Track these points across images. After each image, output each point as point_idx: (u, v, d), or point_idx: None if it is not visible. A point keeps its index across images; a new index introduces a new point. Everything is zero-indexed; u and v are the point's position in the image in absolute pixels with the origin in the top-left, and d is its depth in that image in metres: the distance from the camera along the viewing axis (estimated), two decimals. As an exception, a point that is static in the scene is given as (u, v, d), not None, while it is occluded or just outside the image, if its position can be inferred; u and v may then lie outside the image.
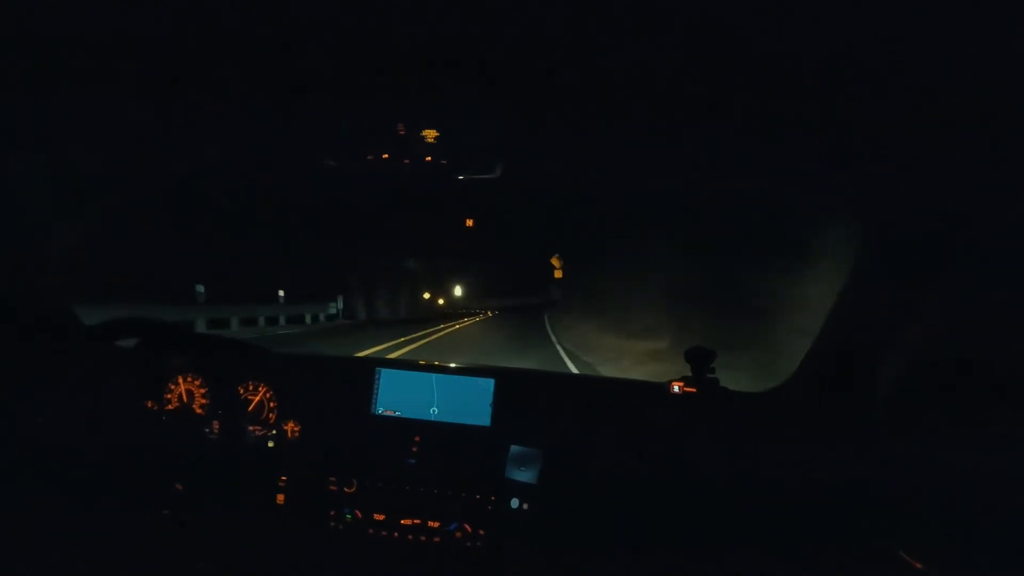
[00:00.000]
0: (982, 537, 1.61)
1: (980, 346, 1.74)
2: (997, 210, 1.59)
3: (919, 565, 1.67)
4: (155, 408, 2.27)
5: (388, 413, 2.22)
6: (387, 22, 1.18)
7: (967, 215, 1.66)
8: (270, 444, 2.22)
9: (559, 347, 14.27)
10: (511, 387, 2.22)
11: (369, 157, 1.89)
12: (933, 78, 1.23)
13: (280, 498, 2.16)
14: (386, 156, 1.88)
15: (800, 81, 1.30)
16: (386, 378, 2.24)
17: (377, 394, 2.23)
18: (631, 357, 11.93)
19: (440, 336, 16.66)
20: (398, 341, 13.75)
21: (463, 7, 1.11)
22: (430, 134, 1.76)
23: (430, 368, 2.27)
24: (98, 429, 2.16)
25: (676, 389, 2.09)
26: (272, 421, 2.24)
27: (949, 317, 1.81)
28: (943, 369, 1.87)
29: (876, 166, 1.69)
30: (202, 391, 2.27)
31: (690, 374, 2.11)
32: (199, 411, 2.26)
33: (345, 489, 2.13)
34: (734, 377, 2.25)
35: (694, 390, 2.08)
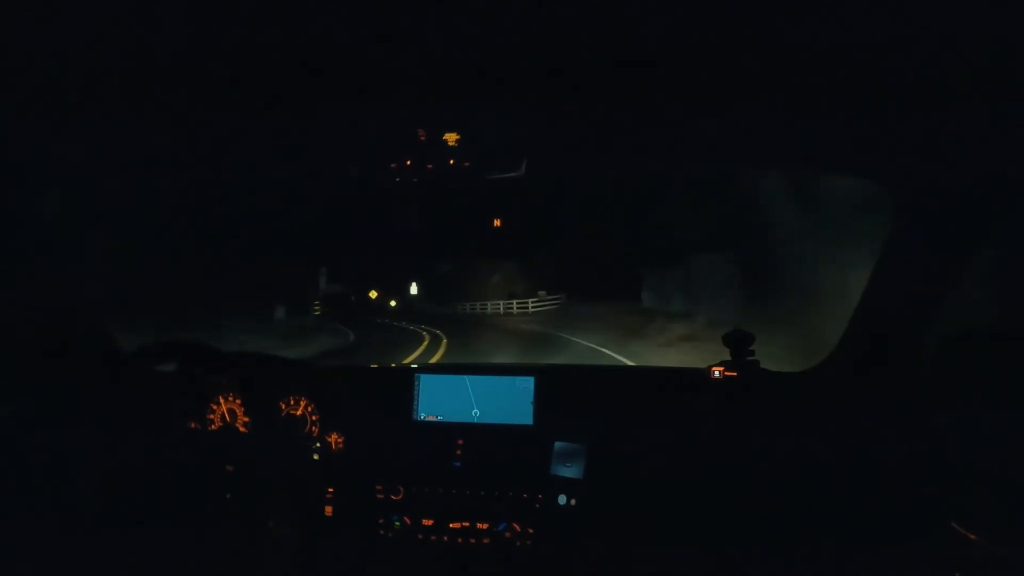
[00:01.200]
0: None
1: (1014, 317, 1.72)
2: None
3: (972, 536, 1.65)
4: (199, 429, 2.30)
5: (430, 418, 2.23)
6: (400, 27, 1.18)
7: (999, 189, 1.64)
8: (315, 457, 2.23)
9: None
10: (551, 383, 2.22)
11: (392, 164, 1.90)
12: (961, 55, 1.21)
13: (328, 510, 2.17)
14: (409, 162, 1.88)
15: (828, 61, 1.28)
16: (426, 383, 2.25)
17: (418, 400, 2.24)
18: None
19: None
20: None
21: (472, 7, 1.11)
22: (451, 137, 1.76)
23: (469, 370, 2.28)
24: (146, 453, 2.19)
25: (717, 374, 2.07)
26: (316, 434, 2.25)
27: (984, 290, 1.78)
28: (980, 341, 1.84)
29: (908, 145, 1.66)
30: (243, 409, 2.29)
31: (729, 358, 2.09)
32: (243, 429, 2.28)
33: (392, 497, 2.14)
34: (775, 357, 2.23)
35: (735, 373, 2.06)
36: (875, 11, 1.09)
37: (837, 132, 1.68)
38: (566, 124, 1.73)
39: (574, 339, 12.95)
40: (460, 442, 2.17)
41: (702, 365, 2.15)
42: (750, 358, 2.08)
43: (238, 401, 2.31)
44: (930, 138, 1.59)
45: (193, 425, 2.31)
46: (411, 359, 11.14)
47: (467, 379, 2.24)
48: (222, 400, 2.31)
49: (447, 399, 2.23)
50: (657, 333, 12.78)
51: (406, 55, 1.30)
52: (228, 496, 2.17)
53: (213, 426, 2.29)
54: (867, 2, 1.07)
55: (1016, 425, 1.67)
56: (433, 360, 10.82)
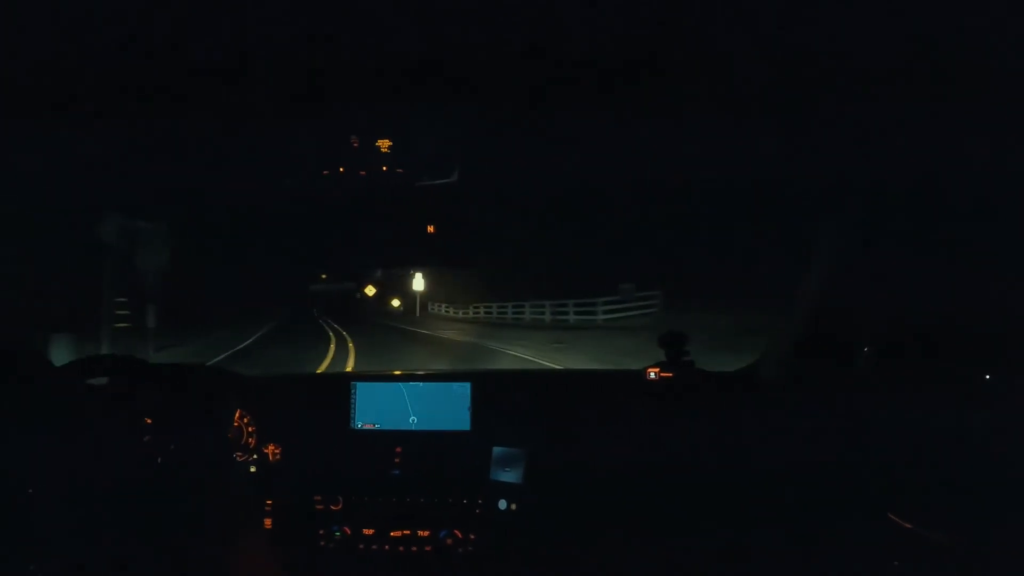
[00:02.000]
0: (964, 492, 1.64)
1: (951, 312, 1.78)
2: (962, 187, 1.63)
3: (909, 525, 1.70)
4: (131, 444, 2.24)
5: (368, 427, 2.21)
6: (333, 34, 1.18)
7: (933, 192, 1.70)
8: (252, 469, 2.19)
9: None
10: (488, 389, 2.22)
11: (325, 172, 1.89)
12: (897, 60, 1.26)
13: (268, 522, 2.14)
14: (342, 169, 1.88)
15: (761, 63, 1.31)
16: (362, 392, 2.23)
17: (355, 409, 2.22)
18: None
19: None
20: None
21: (406, 15, 1.12)
22: (384, 144, 1.76)
23: (406, 377, 2.27)
24: (78, 469, 2.12)
25: (652, 375, 2.10)
26: (252, 445, 2.21)
27: (915, 289, 1.85)
28: (915, 336, 1.90)
29: (844, 148, 1.71)
30: (178, 422, 2.24)
31: (665, 359, 2.12)
32: (177, 443, 2.23)
33: (332, 507, 2.11)
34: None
35: (670, 375, 2.09)
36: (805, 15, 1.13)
37: (772, 135, 1.73)
38: (499, 131, 1.74)
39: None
40: (399, 450, 2.16)
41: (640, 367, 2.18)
42: (685, 359, 2.11)
43: (172, 415, 2.25)
44: (866, 141, 1.65)
45: (126, 439, 2.24)
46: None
47: (403, 386, 2.23)
48: (155, 414, 2.25)
49: (384, 407, 2.21)
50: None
51: (338, 61, 1.30)
52: (164, 511, 2.11)
53: (147, 439, 2.23)
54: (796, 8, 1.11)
55: (947, 419, 1.74)
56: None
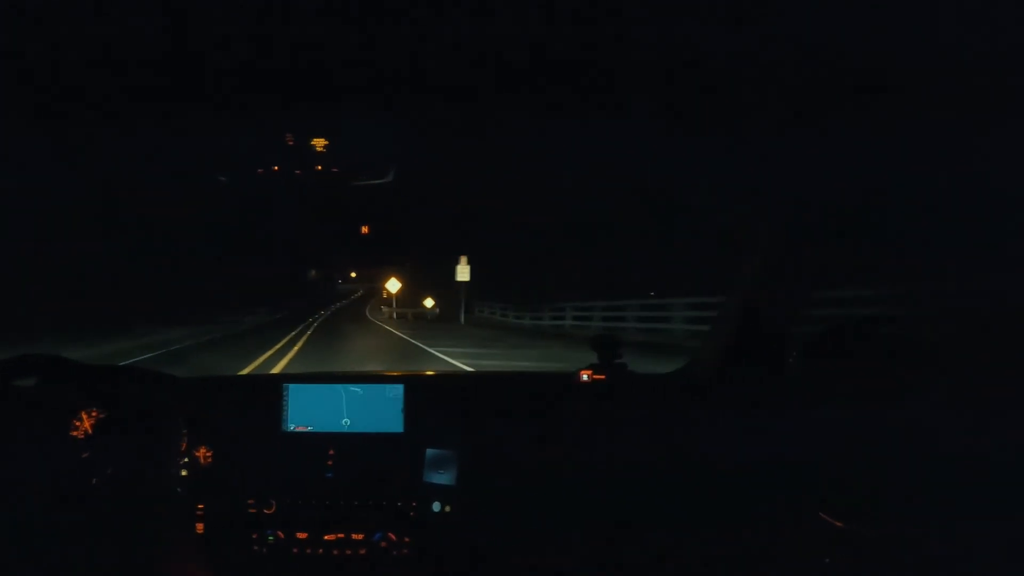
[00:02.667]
0: (893, 490, 1.70)
1: (878, 312, 1.85)
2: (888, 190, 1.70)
3: (840, 524, 1.75)
4: (60, 446, 2.17)
5: (300, 429, 2.19)
6: (270, 32, 1.18)
7: (860, 193, 1.77)
8: (184, 472, 2.15)
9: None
10: (421, 391, 2.22)
11: (260, 170, 1.88)
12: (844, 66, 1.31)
13: (200, 527, 2.10)
14: (277, 168, 1.87)
15: (691, 68, 1.35)
16: (295, 393, 2.20)
17: (287, 411, 2.19)
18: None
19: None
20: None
21: (345, 14, 1.13)
22: (319, 143, 1.76)
23: (338, 379, 2.25)
24: (4, 473, 2.05)
25: (585, 377, 2.13)
26: (183, 448, 2.17)
27: (846, 291, 1.92)
28: (843, 337, 1.97)
29: (775, 152, 1.77)
30: (107, 424, 2.18)
31: (597, 362, 2.16)
32: (107, 446, 2.17)
33: (265, 511, 2.08)
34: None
35: (602, 377, 2.13)
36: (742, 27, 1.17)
37: (701, 137, 1.78)
38: (436, 132, 1.75)
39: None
40: (331, 452, 2.14)
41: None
42: (617, 361, 2.15)
43: (102, 416, 2.19)
44: (797, 145, 1.70)
45: (55, 443, 2.18)
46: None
47: (336, 388, 2.21)
48: (84, 416, 2.19)
49: (317, 409, 2.19)
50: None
51: (275, 58, 1.30)
52: (94, 519, 2.05)
53: (76, 444, 2.17)
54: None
55: (877, 419, 1.80)
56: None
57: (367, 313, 25.07)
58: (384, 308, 22.57)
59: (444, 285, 18.57)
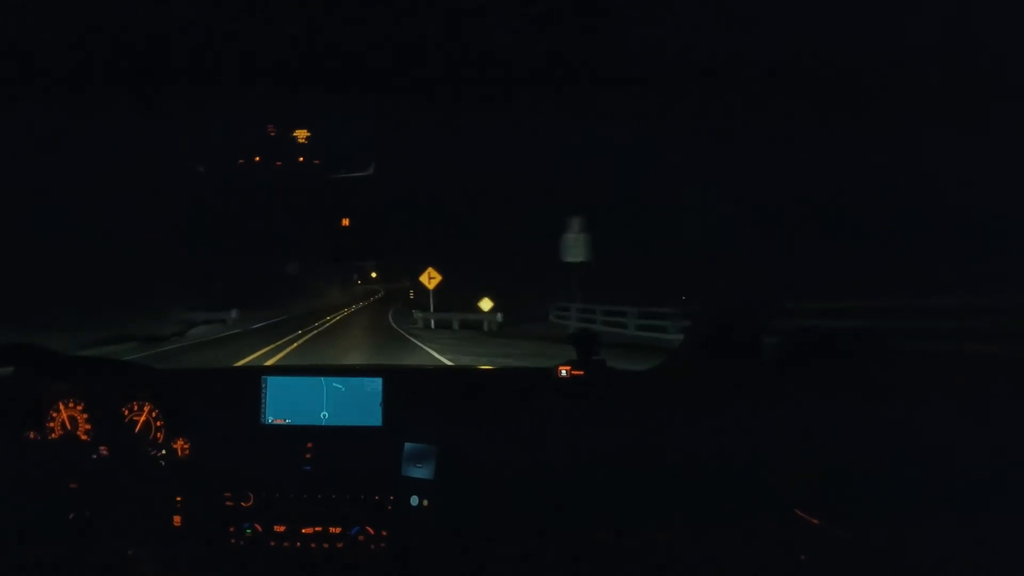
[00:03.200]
0: (868, 486, 1.72)
1: (850, 310, 1.87)
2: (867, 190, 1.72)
3: (815, 521, 1.77)
4: (37, 438, 2.15)
5: (278, 422, 2.18)
6: (254, 23, 1.18)
7: (840, 191, 1.79)
8: (161, 464, 2.14)
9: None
10: (399, 385, 2.22)
11: (240, 161, 1.86)
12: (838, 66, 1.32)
13: (177, 519, 2.09)
14: (258, 159, 1.86)
15: (676, 63, 1.35)
16: (273, 386, 2.20)
17: (265, 403, 2.19)
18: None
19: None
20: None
21: (329, 7, 1.12)
22: (301, 134, 1.75)
23: (317, 371, 2.25)
24: None
25: (563, 373, 2.14)
26: (161, 440, 2.16)
27: (823, 287, 1.94)
28: (817, 334, 1.99)
29: (754, 148, 1.78)
30: (85, 416, 2.17)
31: (576, 357, 2.17)
32: (84, 437, 2.15)
33: (242, 503, 2.08)
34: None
35: (581, 372, 2.14)
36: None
37: (686, 134, 1.79)
38: (415, 125, 1.75)
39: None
40: (309, 445, 2.14)
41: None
42: (596, 357, 2.16)
43: (79, 408, 2.17)
44: (777, 144, 1.72)
45: (32, 434, 2.16)
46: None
47: (315, 381, 2.21)
48: (62, 407, 2.17)
49: (295, 402, 2.19)
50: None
51: (257, 47, 1.29)
52: (71, 512, 2.04)
53: (53, 435, 2.16)
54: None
55: (853, 416, 1.82)
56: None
57: (390, 320, 19.91)
58: (416, 313, 17.37)
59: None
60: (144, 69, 1.36)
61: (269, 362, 9.90)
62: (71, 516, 2.04)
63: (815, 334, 2.00)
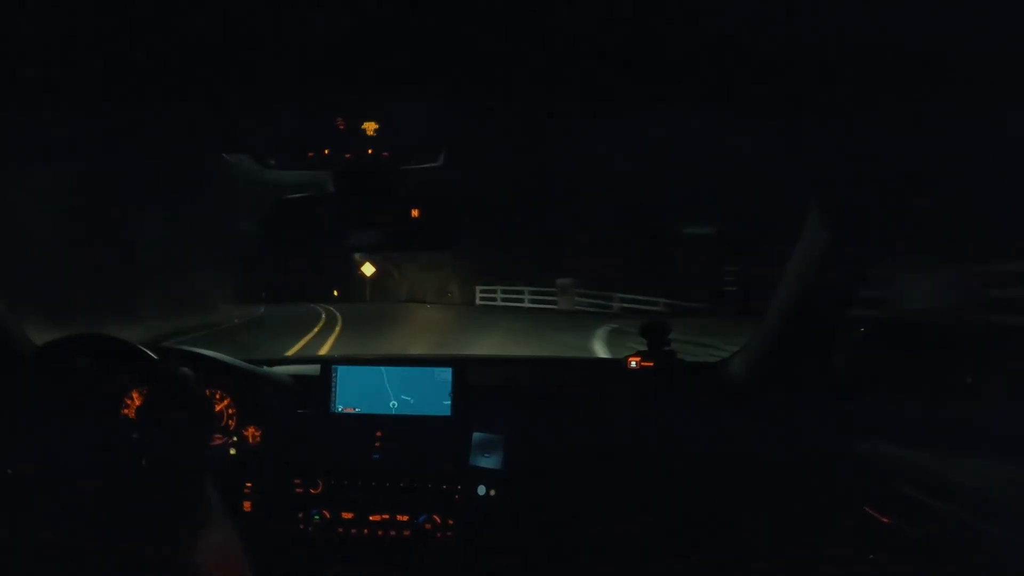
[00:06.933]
0: (938, 489, 1.66)
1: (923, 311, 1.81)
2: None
3: (886, 519, 1.72)
4: (113, 426, 2.22)
5: (348, 411, 2.21)
6: (315, 14, 1.17)
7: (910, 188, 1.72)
8: (232, 452, 2.19)
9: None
10: (469, 374, 2.22)
11: (310, 154, 1.88)
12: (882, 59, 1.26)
13: (247, 505, 2.14)
14: (327, 152, 1.86)
15: (741, 59, 1.31)
16: (343, 375, 2.22)
17: (335, 392, 2.22)
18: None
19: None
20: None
21: None
22: (370, 126, 1.75)
23: (386, 361, 2.26)
24: (58, 453, 2.10)
25: (633, 364, 2.11)
26: (232, 428, 2.21)
27: (897, 285, 1.87)
28: (892, 334, 1.92)
29: (826, 144, 1.72)
30: (159, 405, 2.23)
31: (646, 348, 2.14)
32: (159, 426, 2.22)
33: (311, 490, 2.11)
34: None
35: (651, 364, 2.11)
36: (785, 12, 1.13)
37: (757, 131, 1.73)
38: (485, 115, 1.73)
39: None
40: (379, 434, 2.16)
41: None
42: (666, 348, 2.12)
43: (152, 397, 2.24)
44: (848, 137, 1.65)
45: (108, 424, 2.23)
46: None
47: (384, 371, 2.22)
48: (136, 395, 2.24)
49: (364, 391, 2.21)
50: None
51: (321, 40, 1.29)
52: (145, 498, 2.10)
53: (127, 424, 2.22)
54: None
55: (922, 414, 1.76)
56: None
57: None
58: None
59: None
60: (209, 63, 1.36)
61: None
62: (144, 503, 2.10)
63: (890, 326, 1.93)
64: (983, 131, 1.52)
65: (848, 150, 1.71)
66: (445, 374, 2.19)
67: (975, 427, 1.68)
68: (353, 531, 2.09)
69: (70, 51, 1.26)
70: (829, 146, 1.72)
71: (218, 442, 2.20)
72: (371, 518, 2.08)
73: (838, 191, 1.90)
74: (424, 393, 2.19)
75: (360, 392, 2.21)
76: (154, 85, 1.43)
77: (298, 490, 2.12)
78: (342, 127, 1.75)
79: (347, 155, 1.87)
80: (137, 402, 2.22)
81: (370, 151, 1.85)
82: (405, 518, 2.08)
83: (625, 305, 17.49)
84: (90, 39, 1.21)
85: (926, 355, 1.92)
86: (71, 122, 1.71)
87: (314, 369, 2.29)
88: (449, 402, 2.18)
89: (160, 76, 1.38)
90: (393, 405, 2.20)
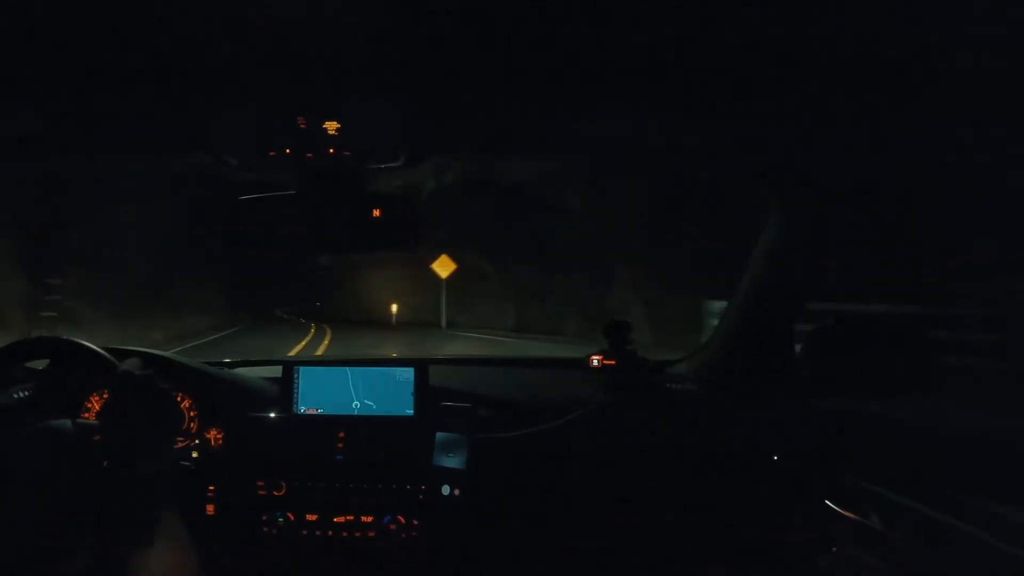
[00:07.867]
0: (904, 483, 1.70)
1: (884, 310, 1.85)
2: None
3: (849, 514, 1.75)
4: (71, 429, 2.18)
5: (310, 412, 2.20)
6: (282, 13, 1.17)
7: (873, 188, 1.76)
8: (194, 455, 2.16)
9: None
10: (431, 375, 2.22)
11: (271, 153, 1.86)
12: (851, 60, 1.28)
13: (210, 508, 2.11)
14: (288, 151, 1.85)
15: (705, 59, 1.32)
16: (305, 376, 2.21)
17: (297, 393, 2.20)
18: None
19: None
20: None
21: None
22: (331, 126, 1.74)
23: (349, 363, 2.25)
24: (14, 455, 2.06)
25: (595, 362, 2.13)
26: (194, 431, 2.18)
27: (860, 282, 1.91)
28: (848, 331, 1.96)
29: (785, 145, 1.75)
30: (118, 408, 2.19)
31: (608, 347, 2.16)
32: (118, 429, 2.18)
33: (274, 492, 2.10)
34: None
35: (613, 362, 2.13)
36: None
37: (717, 133, 1.76)
38: (445, 116, 1.74)
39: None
40: (342, 435, 2.15)
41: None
42: (628, 347, 2.15)
43: (113, 399, 2.20)
44: (807, 138, 1.68)
45: (67, 425, 2.19)
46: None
47: (347, 371, 2.22)
48: (95, 399, 2.20)
49: (327, 392, 2.20)
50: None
51: (283, 38, 1.28)
52: (106, 502, 2.06)
53: (87, 427, 2.18)
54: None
55: (884, 411, 1.80)
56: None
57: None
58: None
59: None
60: (169, 60, 1.35)
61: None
62: (105, 508, 2.06)
63: (851, 323, 1.96)
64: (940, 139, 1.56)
65: (805, 151, 1.75)
66: (407, 374, 2.19)
67: (935, 422, 1.72)
68: (317, 533, 2.08)
69: (26, 47, 1.24)
70: (786, 146, 1.76)
71: (180, 445, 2.17)
72: (335, 519, 2.08)
73: (795, 190, 1.94)
74: (386, 394, 2.19)
75: (322, 393, 2.20)
76: (110, 82, 1.41)
77: (261, 492, 2.10)
78: (304, 126, 1.74)
79: (308, 155, 1.86)
80: (97, 405, 2.19)
81: (331, 151, 1.84)
82: (369, 519, 2.08)
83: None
84: (50, 36, 1.20)
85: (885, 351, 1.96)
86: (23, 119, 1.68)
87: (276, 371, 2.27)
88: (412, 402, 2.18)
89: (117, 74, 1.37)
90: (356, 406, 2.19)
